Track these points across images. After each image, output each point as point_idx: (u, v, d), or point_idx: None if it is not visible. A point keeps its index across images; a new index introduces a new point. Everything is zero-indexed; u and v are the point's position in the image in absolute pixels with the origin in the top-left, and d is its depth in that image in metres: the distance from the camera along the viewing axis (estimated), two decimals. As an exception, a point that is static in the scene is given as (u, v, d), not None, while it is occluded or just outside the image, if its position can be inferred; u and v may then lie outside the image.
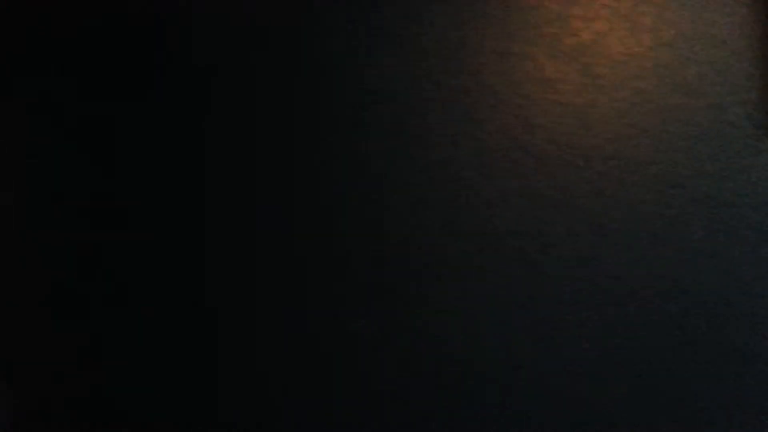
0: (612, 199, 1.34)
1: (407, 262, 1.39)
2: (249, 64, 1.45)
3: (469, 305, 1.37)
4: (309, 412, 1.40)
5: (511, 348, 1.36)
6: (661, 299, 1.33)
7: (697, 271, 1.32)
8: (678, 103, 1.32)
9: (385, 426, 1.39)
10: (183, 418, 1.43)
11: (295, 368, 1.41)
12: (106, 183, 1.46)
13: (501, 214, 1.36)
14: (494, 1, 1.37)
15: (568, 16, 1.35)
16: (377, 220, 1.40)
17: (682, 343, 1.33)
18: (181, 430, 1.42)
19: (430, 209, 1.39)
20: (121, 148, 1.46)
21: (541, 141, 1.35)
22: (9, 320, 1.46)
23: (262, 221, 1.43)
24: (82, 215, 1.46)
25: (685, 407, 1.33)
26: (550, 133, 1.35)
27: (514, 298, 1.36)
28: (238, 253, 1.43)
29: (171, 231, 1.44)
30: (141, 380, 1.43)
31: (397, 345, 1.39)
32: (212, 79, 1.45)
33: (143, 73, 1.47)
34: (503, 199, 1.36)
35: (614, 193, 1.34)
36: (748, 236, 1.31)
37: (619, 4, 1.33)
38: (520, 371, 1.36)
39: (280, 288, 1.42)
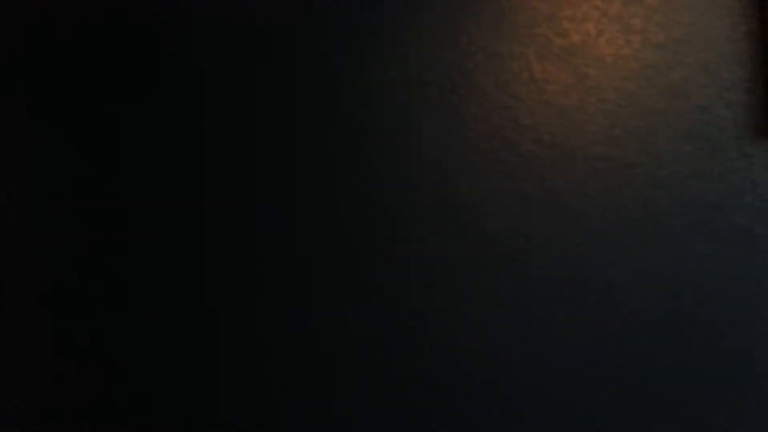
0: (598, 200, 1.34)
1: (395, 261, 1.40)
2: (246, 63, 1.45)
3: (456, 304, 1.39)
4: (308, 412, 1.42)
5: (499, 347, 1.38)
6: (645, 300, 1.34)
7: (682, 272, 1.32)
8: (665, 105, 1.32)
9: (378, 424, 1.41)
10: (183, 418, 1.45)
11: (294, 368, 1.43)
12: (105, 183, 1.47)
13: (488, 214, 1.37)
14: (485, 2, 1.37)
15: (558, 17, 1.34)
16: (366, 219, 1.41)
17: (668, 344, 1.33)
18: (182, 430, 1.44)
19: (418, 209, 1.39)
20: (121, 147, 1.48)
21: (528, 141, 1.36)
22: (9, 320, 1.48)
23: (259, 220, 1.44)
24: (82, 215, 1.47)
25: (672, 408, 1.34)
26: (538, 133, 1.35)
27: (501, 297, 1.37)
28: (237, 253, 1.45)
29: (171, 231, 1.46)
30: (141, 380, 1.45)
31: (384, 343, 1.41)
32: (212, 79, 1.46)
33: (143, 73, 1.48)
34: (490, 198, 1.37)
35: (601, 194, 1.34)
36: (734, 238, 1.31)
37: (609, 6, 1.33)
38: (507, 370, 1.37)
39: (277, 287, 1.44)
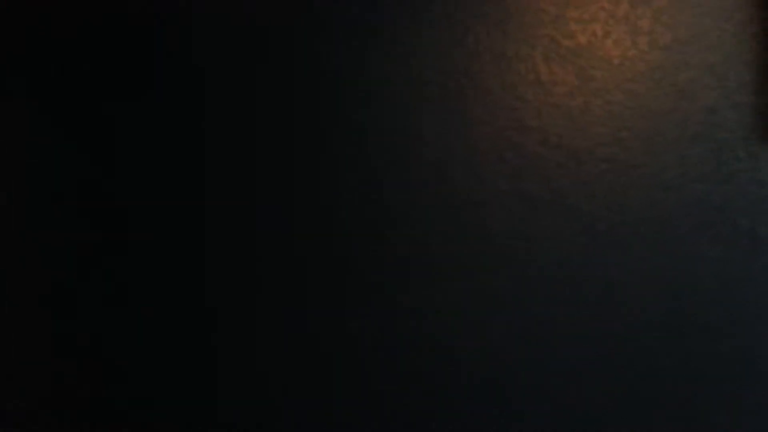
0: (604, 201, 1.34)
1: (398, 261, 1.40)
2: (246, 64, 1.45)
3: (459, 305, 1.39)
4: (308, 412, 1.42)
5: (501, 348, 1.38)
6: (649, 301, 1.34)
7: (686, 274, 1.33)
8: (672, 107, 1.32)
9: (378, 424, 1.40)
10: (183, 418, 1.44)
11: (294, 368, 1.42)
12: (105, 183, 1.47)
13: (492, 215, 1.37)
14: (491, 2, 1.37)
15: (564, 18, 1.34)
16: (369, 219, 1.41)
17: (670, 345, 1.34)
18: (182, 430, 1.44)
19: (423, 209, 1.39)
20: (121, 147, 1.47)
21: (534, 143, 1.36)
22: (9, 320, 1.48)
23: (259, 220, 1.44)
24: (82, 215, 1.47)
25: (673, 409, 1.34)
26: (544, 134, 1.36)
27: (504, 298, 1.37)
28: (237, 253, 1.44)
29: (171, 231, 1.46)
30: (141, 380, 1.45)
31: (385, 343, 1.40)
32: (212, 79, 1.46)
33: (143, 73, 1.47)
34: (495, 199, 1.37)
35: (606, 196, 1.34)
36: (738, 240, 1.31)
37: (616, 7, 1.33)
38: (509, 371, 1.38)
39: (277, 287, 1.43)
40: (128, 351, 1.45)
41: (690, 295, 1.33)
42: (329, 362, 1.42)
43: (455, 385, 1.39)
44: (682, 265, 1.33)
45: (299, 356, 1.42)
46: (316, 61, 1.44)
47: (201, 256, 1.44)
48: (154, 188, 1.46)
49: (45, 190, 1.47)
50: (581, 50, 1.34)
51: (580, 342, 1.36)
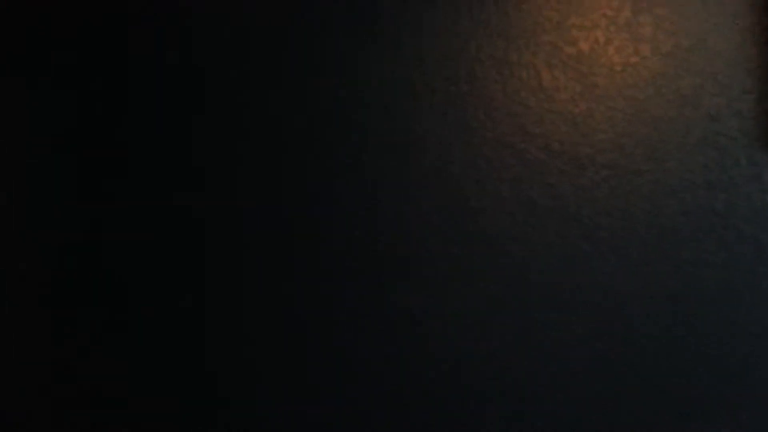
0: (606, 207, 1.34)
1: (398, 265, 1.40)
2: (246, 67, 1.45)
3: (460, 311, 1.38)
4: (302, 415, 1.42)
5: (501, 353, 1.38)
6: (652, 309, 1.34)
7: (687, 281, 1.33)
8: (674, 114, 1.32)
9: (375, 428, 1.40)
10: (184, 418, 1.44)
11: (291, 372, 1.42)
12: (105, 183, 1.47)
13: (494, 220, 1.37)
14: (493, 8, 1.37)
15: (566, 25, 1.35)
16: (371, 224, 1.41)
17: (673, 353, 1.34)
18: (182, 430, 1.44)
19: (424, 214, 1.39)
20: (121, 147, 1.47)
21: (536, 149, 1.36)
22: (9, 320, 1.47)
23: (255, 221, 1.44)
24: (82, 215, 1.47)
25: (675, 416, 1.34)
26: (546, 140, 1.36)
27: (505, 304, 1.37)
28: (236, 254, 1.44)
29: (171, 231, 1.45)
30: (141, 380, 1.45)
31: (384, 347, 1.40)
32: (212, 81, 1.46)
33: (143, 73, 1.47)
34: (497, 205, 1.37)
35: (608, 202, 1.34)
36: (739, 247, 1.31)
37: (618, 14, 1.33)
38: (509, 376, 1.37)
39: (275, 290, 1.43)
40: (128, 351, 1.45)
41: (692, 302, 1.33)
42: (326, 365, 1.41)
43: (453, 389, 1.38)
44: (685, 273, 1.33)
45: (296, 359, 1.42)
46: (318, 65, 1.44)
47: (201, 256, 1.44)
48: (155, 188, 1.46)
49: (45, 190, 1.47)
50: (583, 57, 1.34)
51: (582, 348, 1.36)
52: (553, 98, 1.35)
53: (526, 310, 1.37)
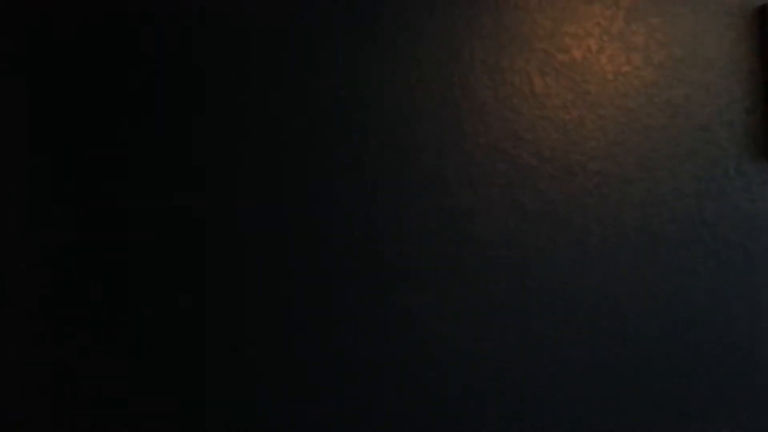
0: (596, 214, 1.35)
1: (390, 268, 1.41)
2: (245, 69, 1.46)
3: (451, 315, 1.39)
4: (297, 416, 1.43)
5: (491, 356, 1.39)
6: (638, 315, 1.35)
7: (676, 288, 1.34)
8: (664, 123, 1.33)
9: (372, 428, 1.42)
10: (183, 418, 1.45)
11: (287, 375, 1.43)
12: (105, 183, 1.47)
13: (485, 226, 1.38)
14: (487, 15, 1.37)
15: (560, 32, 1.35)
16: (363, 226, 1.42)
17: (662, 360, 1.35)
18: (181, 429, 1.45)
19: (417, 217, 1.40)
20: (121, 147, 1.48)
21: (528, 155, 1.36)
22: (9, 320, 1.48)
23: (251, 223, 1.45)
24: (82, 215, 1.48)
25: (663, 422, 1.35)
26: (538, 147, 1.36)
27: (496, 309, 1.38)
28: (234, 255, 1.45)
29: (172, 231, 1.46)
30: (141, 380, 1.46)
31: (377, 350, 1.41)
32: (212, 81, 1.46)
33: (143, 73, 1.48)
34: (488, 210, 1.38)
35: (597, 209, 1.35)
36: (728, 256, 1.32)
37: (611, 23, 1.33)
38: (499, 380, 1.39)
39: (272, 290, 1.44)
40: (128, 351, 1.46)
41: (682, 309, 1.34)
42: (321, 368, 1.43)
43: (448, 394, 1.40)
44: (674, 280, 1.34)
45: (293, 358, 1.43)
46: (314, 69, 1.44)
47: (201, 256, 1.45)
48: (155, 188, 1.46)
49: (45, 190, 1.48)
50: (576, 65, 1.35)
51: (572, 353, 1.37)
52: (545, 105, 1.35)
53: (518, 313, 1.38)
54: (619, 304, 1.35)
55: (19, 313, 1.47)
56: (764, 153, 1.30)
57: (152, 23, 1.48)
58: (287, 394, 1.43)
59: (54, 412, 1.46)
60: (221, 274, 1.45)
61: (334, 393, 1.42)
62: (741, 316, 1.32)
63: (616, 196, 1.34)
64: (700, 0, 1.31)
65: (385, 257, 1.42)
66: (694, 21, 1.30)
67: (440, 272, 1.40)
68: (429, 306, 1.40)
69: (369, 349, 1.42)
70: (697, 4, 1.31)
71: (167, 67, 1.47)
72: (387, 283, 1.41)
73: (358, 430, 1.42)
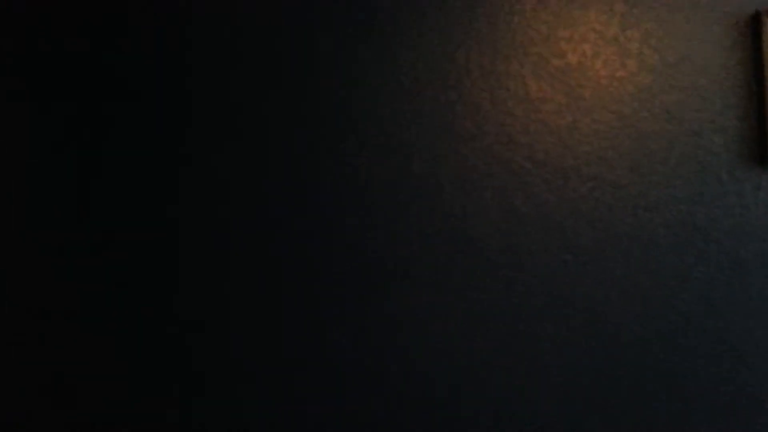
0: (589, 219, 1.35)
1: (384, 271, 1.42)
2: (240, 74, 1.46)
3: (443, 315, 1.40)
4: (296, 417, 1.44)
5: (482, 359, 1.40)
6: (632, 320, 1.36)
7: (668, 293, 1.34)
8: (658, 129, 1.33)
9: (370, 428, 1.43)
10: (183, 418, 1.46)
11: (287, 371, 1.44)
12: (105, 183, 1.48)
13: (478, 229, 1.38)
14: (482, 20, 1.37)
15: (555, 37, 1.35)
16: (357, 229, 1.43)
17: (652, 364, 1.35)
18: (180, 430, 1.46)
19: (409, 220, 1.41)
20: (121, 147, 1.49)
21: (521, 159, 1.37)
22: (9, 320, 1.49)
23: (244, 226, 1.45)
24: (82, 215, 1.49)
25: (653, 423, 1.36)
26: (531, 151, 1.36)
27: (488, 310, 1.39)
28: (229, 259, 1.46)
29: (172, 231, 1.47)
30: (141, 380, 1.46)
31: (367, 354, 1.42)
32: (206, 86, 1.46)
33: (143, 73, 1.48)
34: (481, 213, 1.38)
35: (590, 214, 1.35)
36: (720, 261, 1.33)
37: (606, 28, 1.33)
38: (490, 381, 1.39)
39: (262, 293, 1.45)
40: (128, 351, 1.46)
41: (672, 314, 1.35)
42: (312, 371, 1.43)
43: (437, 393, 1.41)
44: (665, 285, 1.34)
45: (292, 358, 1.44)
46: (309, 73, 1.44)
47: (201, 256, 1.45)
48: (155, 188, 1.47)
49: (45, 190, 1.49)
50: (570, 69, 1.35)
51: (564, 356, 1.37)
52: (539, 109, 1.36)
53: (511, 316, 1.39)
54: (611, 308, 1.36)
55: (19, 313, 1.48)
56: (757, 159, 1.31)
57: (151, 23, 1.48)
58: (287, 394, 1.44)
59: (54, 412, 1.47)
60: (221, 274, 1.46)
61: (330, 393, 1.43)
62: (733, 320, 1.33)
63: (609, 200, 1.35)
64: (694, 6, 1.31)
65: (379, 260, 1.42)
66: (688, 27, 1.30)
67: (434, 275, 1.40)
68: (422, 308, 1.41)
69: (363, 351, 1.43)
70: (692, 11, 1.31)
71: (166, 66, 1.48)
72: (381, 285, 1.42)
73: (352, 430, 1.43)
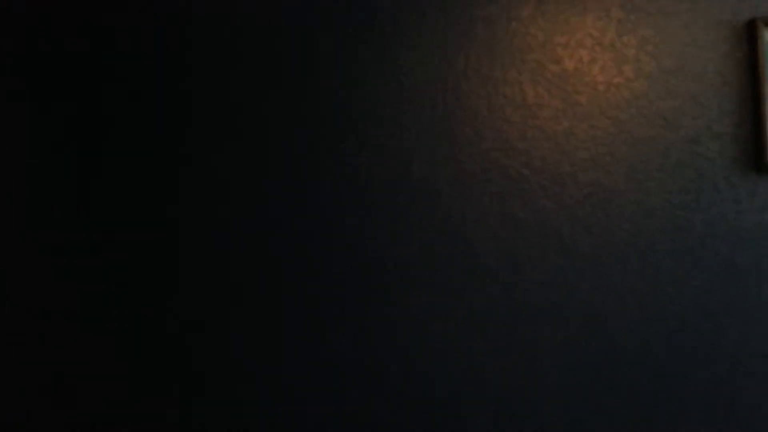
0: (585, 225, 1.36)
1: (382, 275, 1.42)
2: (239, 75, 1.46)
3: (441, 319, 1.41)
4: (295, 417, 1.45)
5: (480, 362, 1.40)
6: (629, 327, 1.36)
7: (664, 298, 1.35)
8: (654, 135, 1.33)
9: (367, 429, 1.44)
10: (183, 419, 1.46)
11: (287, 371, 1.45)
12: (105, 183, 1.49)
13: (476, 234, 1.39)
14: (481, 26, 1.37)
15: (552, 44, 1.35)
16: (357, 230, 1.43)
17: (649, 370, 1.36)
18: (180, 430, 1.46)
19: (409, 222, 1.41)
20: (121, 147, 1.49)
21: (519, 164, 1.37)
22: (9, 320, 1.49)
23: (243, 228, 1.46)
24: (82, 215, 1.49)
25: (650, 426, 1.36)
26: (529, 157, 1.37)
27: (485, 314, 1.39)
28: (228, 260, 1.46)
29: (172, 231, 1.47)
30: (141, 380, 1.47)
31: (369, 353, 1.42)
32: (206, 87, 1.47)
33: (143, 73, 1.48)
34: (479, 219, 1.39)
35: (588, 220, 1.36)
36: (716, 266, 1.33)
37: (603, 35, 1.33)
38: (488, 384, 1.40)
39: (262, 295, 1.45)
40: (128, 351, 1.46)
41: (670, 318, 1.35)
42: (310, 374, 1.44)
43: (435, 396, 1.41)
44: (662, 291, 1.35)
45: (292, 359, 1.44)
46: (307, 76, 1.45)
47: (200, 257, 1.46)
48: (155, 188, 1.47)
49: (45, 190, 1.49)
50: (567, 75, 1.35)
51: (561, 360, 1.38)
52: (536, 115, 1.36)
53: (508, 320, 1.39)
54: (608, 312, 1.36)
55: (19, 313, 1.49)
56: (753, 165, 1.31)
57: (151, 23, 1.48)
58: (287, 394, 1.45)
59: (54, 412, 1.48)
60: (221, 274, 1.46)
61: (330, 393, 1.44)
62: (729, 324, 1.33)
63: (606, 206, 1.35)
64: (690, 13, 1.31)
65: (378, 260, 1.42)
66: (684, 34, 1.30)
67: (433, 276, 1.41)
68: (421, 309, 1.41)
69: (363, 352, 1.43)
70: (688, 18, 1.31)
71: (166, 66, 1.48)
72: (381, 286, 1.42)
73: (352, 431, 1.44)
